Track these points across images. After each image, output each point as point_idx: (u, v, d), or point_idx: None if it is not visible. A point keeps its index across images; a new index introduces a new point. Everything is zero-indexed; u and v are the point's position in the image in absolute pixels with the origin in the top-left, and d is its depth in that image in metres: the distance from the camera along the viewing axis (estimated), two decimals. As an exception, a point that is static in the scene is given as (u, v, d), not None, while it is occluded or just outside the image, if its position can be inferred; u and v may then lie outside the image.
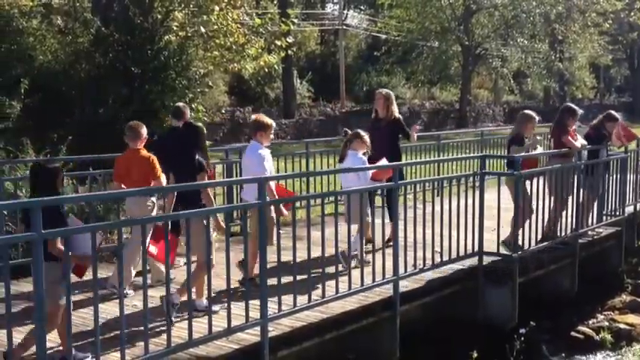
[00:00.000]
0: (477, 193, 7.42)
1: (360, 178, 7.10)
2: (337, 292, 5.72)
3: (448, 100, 42.35)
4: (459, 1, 32.90)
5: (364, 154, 7.68)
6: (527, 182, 8.22)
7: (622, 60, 54.64)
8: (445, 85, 42.20)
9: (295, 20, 18.68)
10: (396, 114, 8.86)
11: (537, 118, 8.77)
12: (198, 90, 14.28)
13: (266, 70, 16.18)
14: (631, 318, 9.09)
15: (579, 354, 8.07)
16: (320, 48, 43.21)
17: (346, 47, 40.32)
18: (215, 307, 5.27)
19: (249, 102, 32.76)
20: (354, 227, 6.52)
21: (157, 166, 6.59)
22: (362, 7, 51.74)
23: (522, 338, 6.58)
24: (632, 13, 33.81)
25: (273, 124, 6.90)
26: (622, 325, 8.77)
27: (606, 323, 8.82)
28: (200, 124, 6.61)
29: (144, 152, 6.71)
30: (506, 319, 7.30)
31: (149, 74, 13.22)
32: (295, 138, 28.29)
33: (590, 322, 8.91)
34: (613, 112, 10.10)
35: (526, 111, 8.94)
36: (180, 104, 8.35)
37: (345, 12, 43.95)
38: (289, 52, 16.57)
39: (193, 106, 13.52)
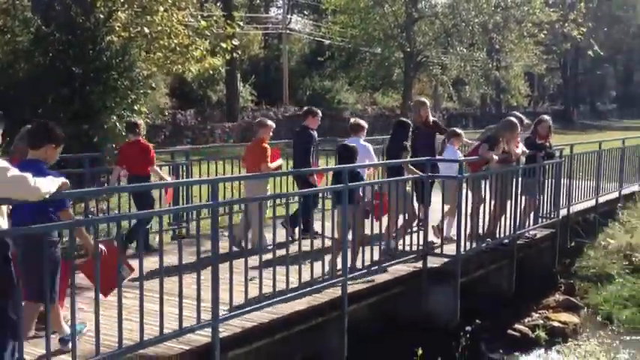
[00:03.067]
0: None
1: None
2: (287, 291, 5.78)
3: (390, 105, 42.95)
4: (401, 9, 33.43)
5: (459, 148, 9.41)
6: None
7: (555, 69, 56.61)
8: (387, 91, 42.77)
9: (241, 23, 18.65)
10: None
11: (519, 129, 9.05)
12: (141, 91, 14.10)
13: (211, 72, 16.10)
14: (564, 316, 9.48)
15: (516, 351, 8.39)
16: (263, 52, 43.18)
17: (290, 51, 40.41)
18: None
19: (191, 104, 32.43)
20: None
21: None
22: (305, 12, 51.97)
23: (468, 335, 6.78)
24: (566, 24, 35.05)
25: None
26: (556, 323, 9.14)
27: (541, 321, 9.17)
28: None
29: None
30: (449, 317, 7.53)
31: (91, 74, 12.97)
32: (239, 141, 28.17)
33: (526, 320, 9.25)
34: (545, 116, 10.58)
35: (512, 118, 9.13)
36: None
37: (289, 16, 44.09)
38: (234, 54, 16.55)
39: (136, 107, 13.37)
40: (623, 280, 10.55)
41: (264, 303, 5.58)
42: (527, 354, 8.41)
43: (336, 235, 6.54)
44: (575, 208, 11.44)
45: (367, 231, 7.06)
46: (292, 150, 9.87)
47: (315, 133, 9.80)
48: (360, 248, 6.81)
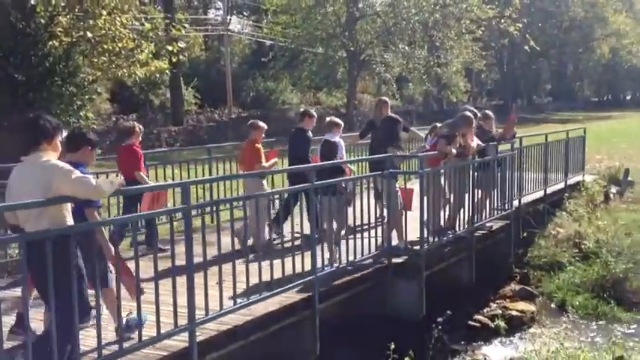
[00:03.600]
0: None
1: None
2: (260, 293, 5.77)
3: (334, 104, 43.16)
4: (342, 9, 33.63)
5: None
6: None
7: (493, 65, 57.96)
8: (331, 90, 42.98)
9: (186, 25, 18.43)
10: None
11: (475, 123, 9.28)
12: (87, 97, 13.79)
13: (157, 75, 15.87)
14: (521, 305, 9.77)
15: (477, 341, 8.58)
16: (205, 54, 42.76)
17: (231, 53, 40.14)
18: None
19: (133, 109, 31.88)
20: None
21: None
22: (245, 13, 51.70)
23: (440, 327, 6.90)
24: (503, 21, 35.98)
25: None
26: (514, 312, 9.41)
27: (500, 311, 9.43)
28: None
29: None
30: (416, 311, 7.65)
31: (34, 81, 12.64)
32: (185, 145, 27.85)
33: (485, 310, 9.49)
34: (487, 111, 10.89)
35: (467, 113, 9.34)
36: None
37: (229, 18, 43.76)
38: (180, 57, 16.35)
39: (82, 113, 13.07)
40: (574, 267, 10.92)
41: (237, 306, 5.56)
42: (488, 344, 8.60)
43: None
44: (526, 199, 11.75)
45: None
46: (288, 151, 9.90)
47: (311, 134, 10.02)
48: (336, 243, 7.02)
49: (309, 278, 6.30)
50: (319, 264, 6.49)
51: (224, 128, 32.13)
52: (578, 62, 71.72)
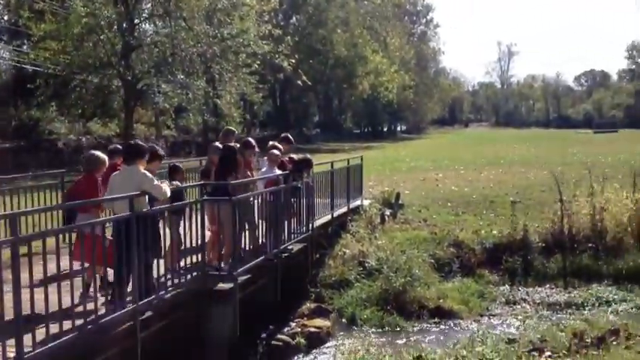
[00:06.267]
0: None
1: None
2: (74, 327, 5.58)
3: (106, 134, 41.61)
4: (117, 37, 32.70)
5: None
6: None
7: (266, 97, 60.21)
8: (105, 120, 41.42)
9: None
10: None
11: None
12: None
13: None
14: (318, 321, 10.44)
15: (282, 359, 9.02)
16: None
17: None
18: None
19: None
20: None
21: None
22: (3, 38, 47.86)
23: (264, 343, 7.16)
24: (277, 56, 37.67)
25: None
26: (312, 329, 10.04)
27: (299, 329, 9.99)
28: None
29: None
30: (230, 334, 7.87)
31: None
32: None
33: (286, 330, 9.99)
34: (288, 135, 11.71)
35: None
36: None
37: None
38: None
39: None
40: (360, 284, 11.92)
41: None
42: (289, 361, 9.05)
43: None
44: (318, 222, 12.57)
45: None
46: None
47: None
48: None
49: (131, 307, 6.25)
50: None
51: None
52: (342, 97, 77.07)
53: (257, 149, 10.39)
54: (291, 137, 12.06)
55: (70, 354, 5.45)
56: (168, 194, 7.12)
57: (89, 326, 5.78)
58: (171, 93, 34.50)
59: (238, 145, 9.86)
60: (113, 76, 33.40)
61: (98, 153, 7.96)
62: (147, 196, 6.95)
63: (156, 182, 6.98)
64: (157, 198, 7.06)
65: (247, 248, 9.08)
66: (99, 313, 5.98)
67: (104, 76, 33.45)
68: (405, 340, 9.80)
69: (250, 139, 10.56)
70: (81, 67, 32.82)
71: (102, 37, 32.14)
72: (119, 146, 9.27)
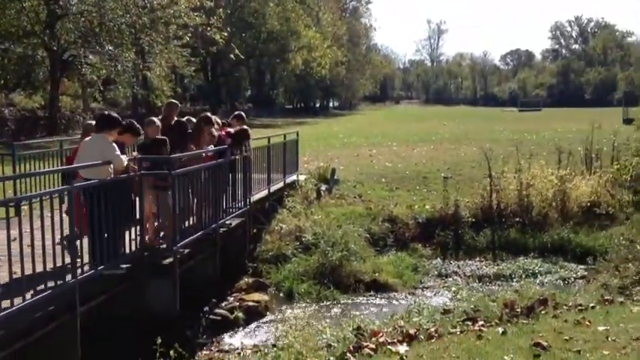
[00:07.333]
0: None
1: None
2: (24, 300, 5.47)
3: (30, 107, 40.08)
4: (41, 5, 31.39)
5: None
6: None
7: (198, 71, 59.19)
8: (29, 92, 39.81)
9: None
10: None
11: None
12: None
13: None
14: (256, 296, 10.53)
15: (220, 334, 9.04)
16: None
17: None
18: None
19: None
20: None
21: None
22: None
23: (206, 317, 7.15)
24: (209, 29, 37.01)
25: None
26: (250, 303, 10.11)
27: (237, 303, 10.04)
28: None
29: None
30: (170, 308, 7.83)
31: None
32: None
33: (224, 304, 10.01)
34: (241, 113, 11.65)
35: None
36: None
37: None
38: None
39: None
40: (297, 258, 12.06)
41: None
42: (230, 335, 9.10)
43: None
44: (255, 197, 12.57)
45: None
46: None
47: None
48: None
49: (70, 281, 6.13)
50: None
51: None
52: (275, 72, 76.57)
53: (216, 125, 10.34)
54: (244, 115, 11.98)
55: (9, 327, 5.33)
56: (124, 165, 7.52)
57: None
58: (98, 64, 33.51)
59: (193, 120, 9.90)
60: (38, 46, 32.18)
61: (93, 122, 8.34)
62: (111, 165, 7.33)
63: (117, 152, 7.41)
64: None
65: (190, 223, 9.00)
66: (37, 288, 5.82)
67: (28, 46, 32.21)
68: (342, 312, 9.99)
69: (209, 114, 10.48)
70: (3, 35, 31.46)
71: (25, 5, 30.86)
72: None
